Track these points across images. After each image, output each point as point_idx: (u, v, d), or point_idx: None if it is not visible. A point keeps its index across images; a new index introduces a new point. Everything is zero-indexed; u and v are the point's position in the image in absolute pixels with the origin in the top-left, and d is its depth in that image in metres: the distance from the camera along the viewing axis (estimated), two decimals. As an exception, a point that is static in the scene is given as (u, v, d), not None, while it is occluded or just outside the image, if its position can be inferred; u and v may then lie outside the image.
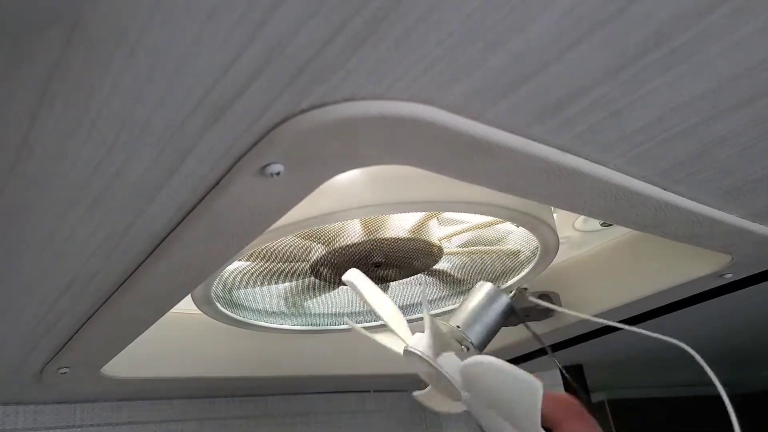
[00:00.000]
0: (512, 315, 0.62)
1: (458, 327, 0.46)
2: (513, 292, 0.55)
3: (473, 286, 0.51)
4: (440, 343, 0.42)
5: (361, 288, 0.44)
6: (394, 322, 0.45)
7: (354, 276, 0.45)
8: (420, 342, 0.43)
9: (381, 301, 0.45)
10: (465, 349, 0.46)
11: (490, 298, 0.48)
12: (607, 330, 0.72)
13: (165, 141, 0.25)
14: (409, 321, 0.65)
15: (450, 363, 0.42)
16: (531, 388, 0.37)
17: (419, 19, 0.20)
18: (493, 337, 0.48)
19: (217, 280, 0.50)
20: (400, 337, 0.44)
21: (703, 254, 0.51)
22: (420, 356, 0.43)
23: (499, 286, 0.49)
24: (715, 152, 0.32)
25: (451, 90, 0.24)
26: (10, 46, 0.20)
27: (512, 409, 0.39)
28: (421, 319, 0.65)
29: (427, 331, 0.43)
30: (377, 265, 0.50)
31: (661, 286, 0.59)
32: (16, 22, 0.19)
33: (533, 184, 0.32)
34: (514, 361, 0.82)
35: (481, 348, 0.47)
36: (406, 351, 0.44)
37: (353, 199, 0.39)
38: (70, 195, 0.28)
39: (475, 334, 0.47)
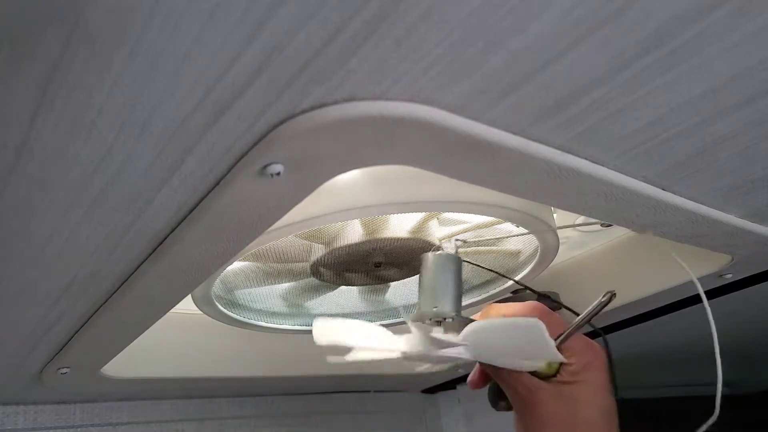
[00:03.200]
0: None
1: (435, 308, 0.47)
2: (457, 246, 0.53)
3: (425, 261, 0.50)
4: (427, 332, 0.44)
5: (335, 337, 0.44)
6: (379, 339, 0.45)
7: (319, 327, 0.44)
8: (412, 342, 0.44)
9: (358, 330, 0.45)
10: (451, 320, 0.46)
11: (440, 266, 0.48)
12: (607, 330, 0.72)
13: (165, 141, 0.25)
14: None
15: (447, 342, 0.43)
16: (534, 329, 0.39)
17: (419, 19, 0.20)
18: (461, 293, 0.49)
19: (218, 280, 0.50)
20: (391, 348, 0.45)
21: (703, 254, 0.50)
22: (420, 353, 0.44)
23: (438, 248, 0.49)
24: (715, 152, 0.32)
25: (451, 90, 0.24)
26: (10, 45, 0.20)
27: (525, 351, 0.42)
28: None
29: (414, 331, 0.44)
30: (377, 265, 0.50)
31: (661, 286, 0.59)
32: (16, 21, 0.19)
33: (533, 184, 0.32)
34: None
35: (458, 311, 0.47)
36: (406, 357, 0.44)
37: (353, 200, 0.39)
38: (70, 195, 0.28)
39: (448, 305, 0.47)
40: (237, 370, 0.69)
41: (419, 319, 0.46)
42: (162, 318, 0.45)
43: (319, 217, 0.39)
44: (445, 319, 0.46)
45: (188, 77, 0.22)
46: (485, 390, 0.51)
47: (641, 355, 0.98)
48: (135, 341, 0.49)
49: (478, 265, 0.55)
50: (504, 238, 0.57)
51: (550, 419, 0.42)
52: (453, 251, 0.48)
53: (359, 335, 0.44)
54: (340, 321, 0.44)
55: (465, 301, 0.62)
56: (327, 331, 0.43)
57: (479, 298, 0.61)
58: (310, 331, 0.63)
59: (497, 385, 0.50)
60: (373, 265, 0.50)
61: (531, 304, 0.47)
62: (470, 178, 0.31)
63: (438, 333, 0.43)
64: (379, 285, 0.59)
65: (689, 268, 0.47)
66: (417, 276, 0.57)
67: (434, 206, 0.42)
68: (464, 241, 0.53)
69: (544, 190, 0.33)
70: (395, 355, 0.44)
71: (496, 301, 0.62)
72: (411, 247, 0.50)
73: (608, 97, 0.26)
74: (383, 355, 0.45)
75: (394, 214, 0.46)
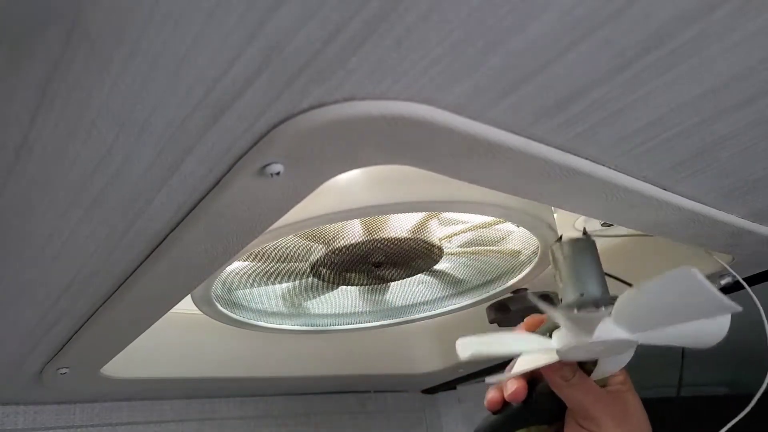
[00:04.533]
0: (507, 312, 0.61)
1: (581, 295, 0.43)
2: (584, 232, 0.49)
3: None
4: (578, 321, 0.40)
5: (482, 350, 0.40)
6: (528, 343, 0.42)
7: (466, 345, 0.40)
8: (568, 338, 0.40)
9: (504, 340, 0.42)
10: (603, 309, 0.41)
11: (576, 251, 0.44)
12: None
13: (165, 141, 0.25)
14: (410, 321, 0.65)
15: (605, 329, 0.38)
16: (686, 276, 0.33)
17: (419, 18, 0.20)
18: (604, 276, 0.45)
19: (217, 280, 0.50)
20: (544, 350, 0.41)
21: (703, 254, 0.50)
22: (575, 347, 0.40)
23: (561, 237, 0.46)
24: (715, 152, 0.32)
25: (451, 90, 0.24)
26: (10, 46, 0.20)
27: (689, 308, 0.35)
28: (421, 319, 0.65)
29: (565, 324, 0.40)
30: (377, 265, 0.50)
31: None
32: (16, 21, 0.19)
33: (533, 184, 0.32)
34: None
35: (606, 293, 0.43)
36: (563, 356, 0.41)
37: (353, 200, 0.39)
38: (70, 195, 0.28)
39: (595, 288, 0.43)
40: (237, 371, 0.69)
41: (567, 313, 0.42)
42: (162, 318, 0.45)
43: (319, 217, 0.39)
44: (595, 305, 0.42)
45: (188, 77, 0.22)
46: (486, 389, 0.49)
47: (640, 355, 0.98)
48: (135, 341, 0.49)
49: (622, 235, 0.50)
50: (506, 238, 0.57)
51: (614, 422, 0.44)
52: (581, 236, 0.45)
53: (506, 344, 0.41)
54: (482, 335, 0.41)
55: (464, 302, 0.62)
56: (472, 345, 0.40)
57: (479, 297, 0.61)
58: (310, 331, 0.64)
59: (499, 421, 0.47)
60: (373, 265, 0.50)
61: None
62: (470, 178, 0.31)
63: (590, 318, 0.39)
64: (379, 285, 0.59)
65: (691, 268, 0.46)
66: (416, 276, 0.57)
67: (434, 206, 0.42)
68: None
69: (544, 190, 0.33)
70: (552, 358, 0.41)
71: (498, 301, 0.62)
72: (411, 247, 0.50)
73: (608, 97, 0.26)
74: (540, 362, 0.41)
75: (394, 214, 0.46)
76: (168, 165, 0.27)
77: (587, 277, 0.44)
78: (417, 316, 0.64)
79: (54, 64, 0.20)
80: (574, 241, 0.45)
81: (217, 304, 0.53)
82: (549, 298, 0.62)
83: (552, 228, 0.48)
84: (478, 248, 0.57)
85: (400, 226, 0.48)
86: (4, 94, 0.22)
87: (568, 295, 0.44)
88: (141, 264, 0.36)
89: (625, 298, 0.37)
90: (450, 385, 0.98)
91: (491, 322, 0.63)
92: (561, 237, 0.46)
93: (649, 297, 0.36)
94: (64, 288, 0.38)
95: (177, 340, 0.65)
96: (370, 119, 0.24)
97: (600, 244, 0.64)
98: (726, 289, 0.60)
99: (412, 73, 0.23)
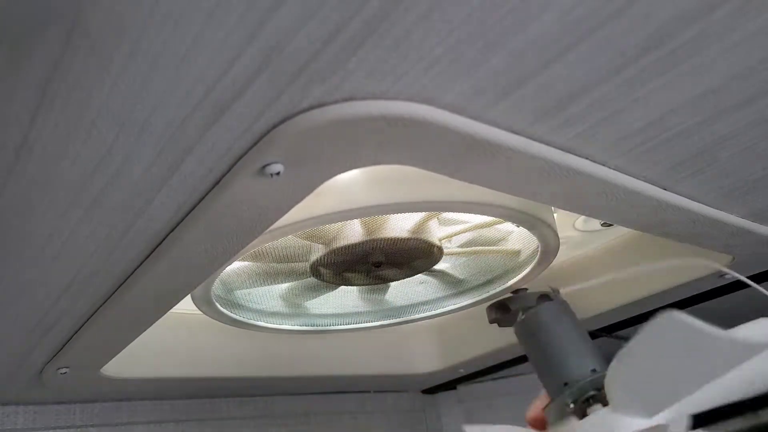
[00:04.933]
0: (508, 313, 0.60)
1: (566, 385, 0.33)
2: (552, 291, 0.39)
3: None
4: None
5: None
6: None
7: None
8: None
9: None
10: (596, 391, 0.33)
11: (549, 322, 0.34)
12: (606, 331, 0.72)
13: (165, 141, 0.25)
14: (410, 321, 0.65)
15: (619, 426, 0.31)
16: (668, 323, 0.26)
17: (419, 18, 0.20)
18: (588, 339, 0.35)
19: (217, 280, 0.50)
20: None
21: (703, 254, 0.50)
22: None
23: (527, 308, 0.35)
24: (715, 152, 0.32)
25: (452, 90, 0.24)
26: (10, 46, 0.20)
27: (696, 362, 0.27)
28: (421, 319, 0.65)
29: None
30: (377, 265, 0.50)
31: (661, 286, 0.59)
32: (16, 21, 0.19)
33: (533, 184, 0.32)
34: (514, 361, 0.82)
35: (604, 366, 0.34)
36: None
37: (353, 200, 0.39)
38: (70, 195, 0.28)
39: (582, 368, 0.33)
40: (237, 370, 0.69)
41: (560, 412, 0.34)
42: (162, 318, 0.45)
43: (319, 217, 0.39)
44: (592, 392, 0.33)
45: (188, 77, 0.22)
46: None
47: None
48: (135, 341, 0.49)
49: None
50: (504, 238, 0.57)
51: None
52: (554, 299, 0.34)
53: None
54: None
55: (464, 302, 0.62)
56: None
57: (479, 297, 0.61)
58: (310, 331, 0.64)
59: None
60: (373, 265, 0.50)
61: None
62: (470, 178, 0.31)
63: (597, 418, 0.32)
64: (379, 285, 0.59)
65: (689, 268, 0.46)
66: (416, 276, 0.57)
67: (434, 206, 0.42)
68: (524, 289, 0.42)
69: (544, 190, 0.33)
70: None
71: (498, 301, 0.62)
72: (411, 247, 0.50)
73: (608, 97, 0.26)
74: None
75: (394, 214, 0.46)
76: (168, 165, 0.27)
77: (569, 355, 0.34)
78: (417, 316, 0.64)
79: (54, 64, 0.20)
80: (543, 311, 0.34)
81: (217, 304, 0.53)
82: (549, 298, 0.62)
83: (552, 228, 0.48)
84: (478, 248, 0.57)
85: (400, 226, 0.48)
86: (4, 94, 0.22)
87: (552, 387, 0.34)
88: (141, 264, 0.36)
89: (612, 379, 0.29)
90: (450, 385, 0.98)
91: (491, 322, 0.63)
92: (525, 308, 0.35)
93: (637, 368, 0.29)
94: (64, 288, 0.38)
95: (177, 340, 0.65)
96: (370, 119, 0.24)
97: (601, 242, 0.64)
98: (727, 288, 0.60)
99: (412, 73, 0.23)
